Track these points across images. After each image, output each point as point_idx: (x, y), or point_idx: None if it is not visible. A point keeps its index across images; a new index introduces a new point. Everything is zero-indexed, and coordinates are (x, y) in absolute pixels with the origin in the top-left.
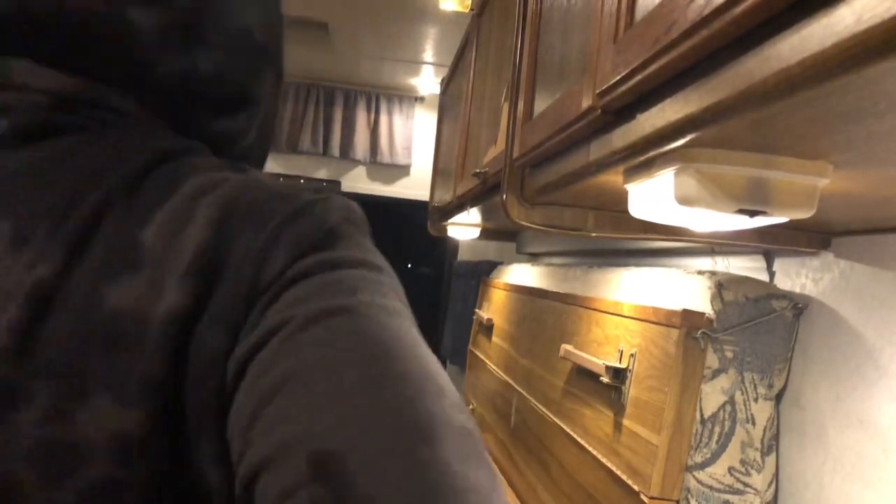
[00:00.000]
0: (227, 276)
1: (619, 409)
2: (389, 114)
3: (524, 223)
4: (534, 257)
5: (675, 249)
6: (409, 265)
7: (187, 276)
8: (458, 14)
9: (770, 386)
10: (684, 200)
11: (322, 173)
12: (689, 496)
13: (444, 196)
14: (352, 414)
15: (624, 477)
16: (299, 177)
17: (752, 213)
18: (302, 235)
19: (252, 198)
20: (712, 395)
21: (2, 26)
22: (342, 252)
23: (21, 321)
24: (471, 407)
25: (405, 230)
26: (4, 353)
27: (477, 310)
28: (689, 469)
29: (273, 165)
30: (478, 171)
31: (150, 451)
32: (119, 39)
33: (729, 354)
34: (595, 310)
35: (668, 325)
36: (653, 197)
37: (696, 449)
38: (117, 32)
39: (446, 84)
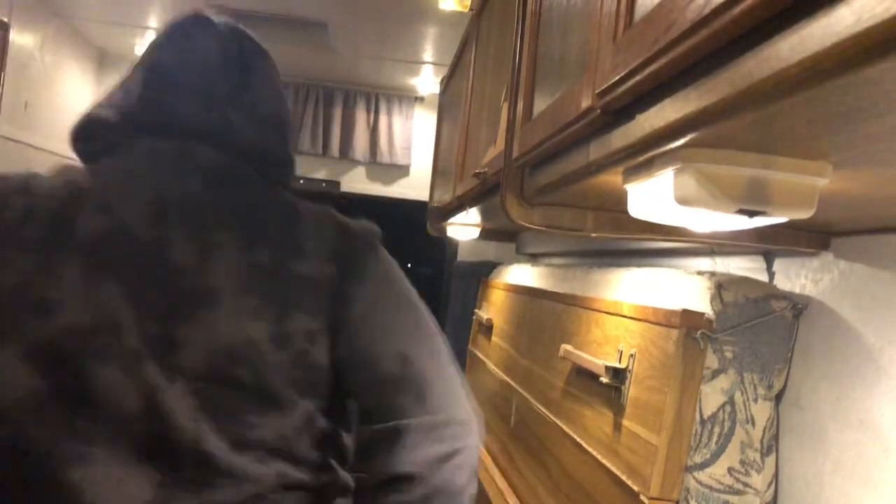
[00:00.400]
0: (346, 257)
1: (618, 409)
2: (389, 114)
3: (524, 223)
4: (533, 257)
5: (674, 250)
6: (409, 265)
7: (332, 259)
8: (457, 14)
9: (770, 386)
10: (684, 200)
11: (321, 173)
12: (689, 496)
13: (444, 196)
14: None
15: (623, 477)
16: (299, 177)
17: (752, 214)
18: (361, 238)
19: (339, 218)
20: (712, 396)
21: (205, 135)
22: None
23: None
24: None
25: (405, 230)
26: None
27: (476, 310)
28: (688, 469)
29: None
30: (477, 171)
31: (320, 339)
32: (265, 157)
33: (728, 355)
34: (595, 310)
35: (667, 326)
36: (652, 197)
37: (695, 449)
38: (264, 153)
39: (446, 84)
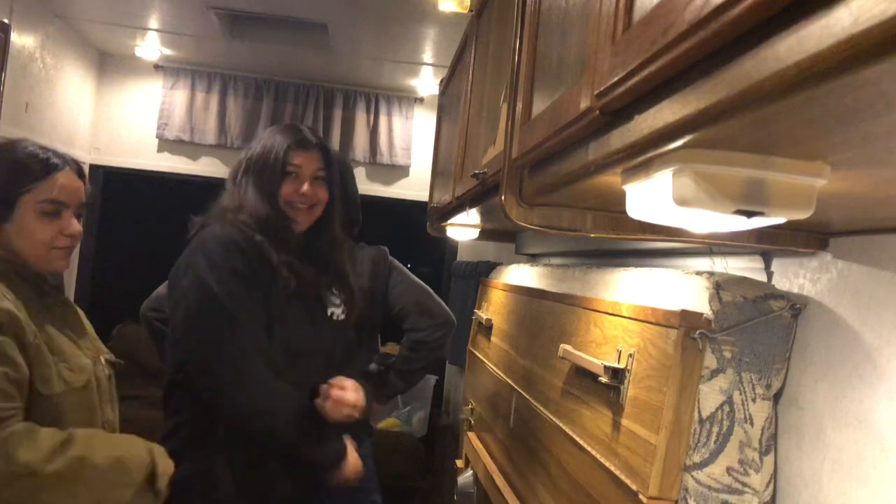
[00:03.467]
0: (379, 277)
1: (617, 409)
2: (389, 115)
3: (523, 224)
4: (533, 258)
5: (673, 250)
6: (409, 265)
7: (371, 276)
8: (457, 15)
9: (768, 386)
10: (682, 201)
11: None
12: (688, 496)
13: (444, 197)
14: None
15: (622, 477)
16: None
17: (750, 214)
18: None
19: (374, 251)
20: (710, 395)
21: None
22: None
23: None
24: (470, 407)
25: (405, 230)
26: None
27: (476, 310)
28: (687, 469)
29: None
30: (477, 171)
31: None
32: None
33: (727, 355)
34: (594, 310)
35: (666, 326)
36: (651, 198)
37: (694, 449)
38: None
39: (445, 85)
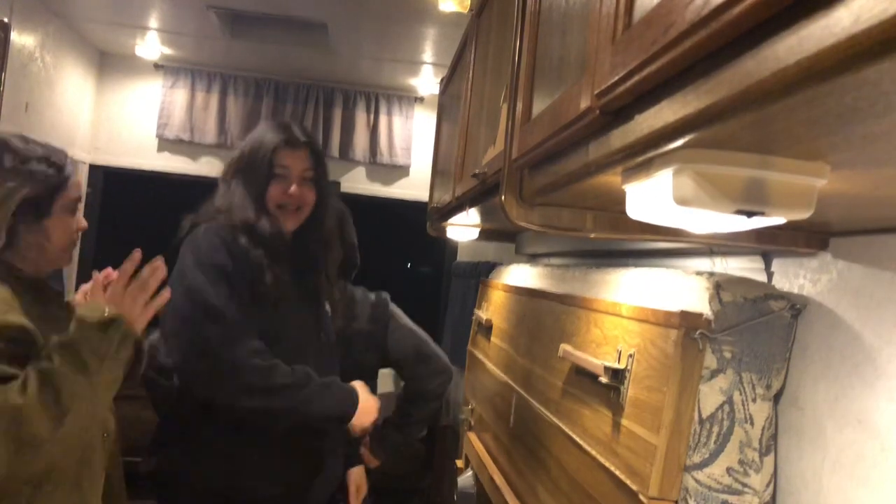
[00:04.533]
0: (379, 323)
1: (617, 409)
2: (389, 114)
3: (523, 224)
4: (533, 258)
5: (673, 250)
6: (409, 265)
7: (370, 319)
8: (457, 15)
9: (768, 386)
10: (682, 201)
11: None
12: (688, 496)
13: (444, 196)
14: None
15: (622, 477)
16: None
17: (750, 214)
18: (382, 304)
19: (375, 296)
20: (710, 396)
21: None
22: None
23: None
24: (470, 407)
25: (404, 231)
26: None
27: (476, 310)
28: (687, 469)
29: None
30: (477, 171)
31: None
32: (354, 263)
33: (727, 355)
34: (594, 310)
35: (666, 326)
36: (651, 198)
37: (694, 449)
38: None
39: (445, 84)
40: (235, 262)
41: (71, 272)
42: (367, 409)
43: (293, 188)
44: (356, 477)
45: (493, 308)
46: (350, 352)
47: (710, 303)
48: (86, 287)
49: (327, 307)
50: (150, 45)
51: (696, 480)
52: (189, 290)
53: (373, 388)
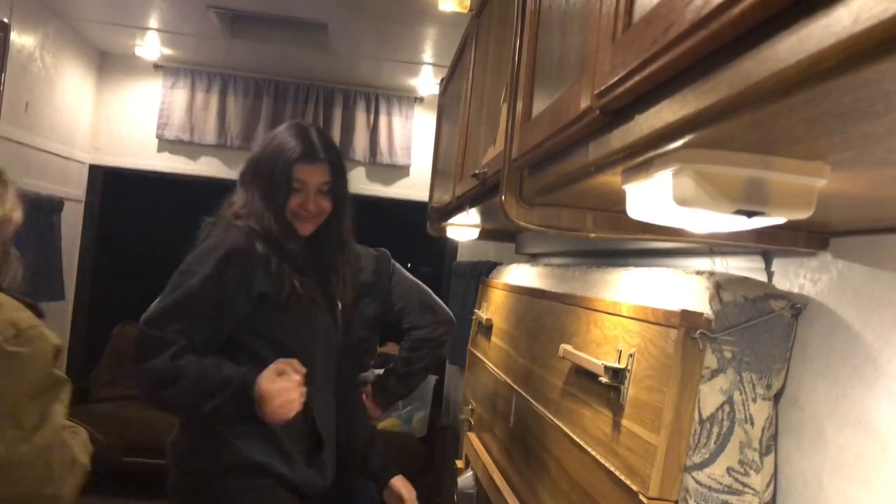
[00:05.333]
0: (382, 275)
1: (617, 409)
2: (389, 114)
3: (523, 224)
4: (533, 258)
5: (673, 250)
6: (409, 265)
7: (373, 273)
8: (457, 15)
9: (768, 386)
10: (682, 201)
11: None
12: (688, 496)
13: (444, 196)
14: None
15: (622, 477)
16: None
17: (750, 214)
18: (384, 260)
19: (376, 251)
20: (711, 396)
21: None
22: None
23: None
24: (470, 407)
25: (404, 231)
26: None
27: (476, 310)
28: (687, 469)
29: None
30: (477, 171)
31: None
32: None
33: (727, 355)
34: (594, 310)
35: (666, 326)
36: (651, 198)
37: (694, 449)
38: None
39: (445, 84)
40: (246, 271)
41: (71, 271)
42: (269, 399)
43: (310, 202)
44: (399, 484)
45: (493, 308)
46: (356, 303)
47: (710, 302)
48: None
49: (336, 311)
50: (150, 46)
51: (696, 481)
52: (181, 267)
53: (377, 340)
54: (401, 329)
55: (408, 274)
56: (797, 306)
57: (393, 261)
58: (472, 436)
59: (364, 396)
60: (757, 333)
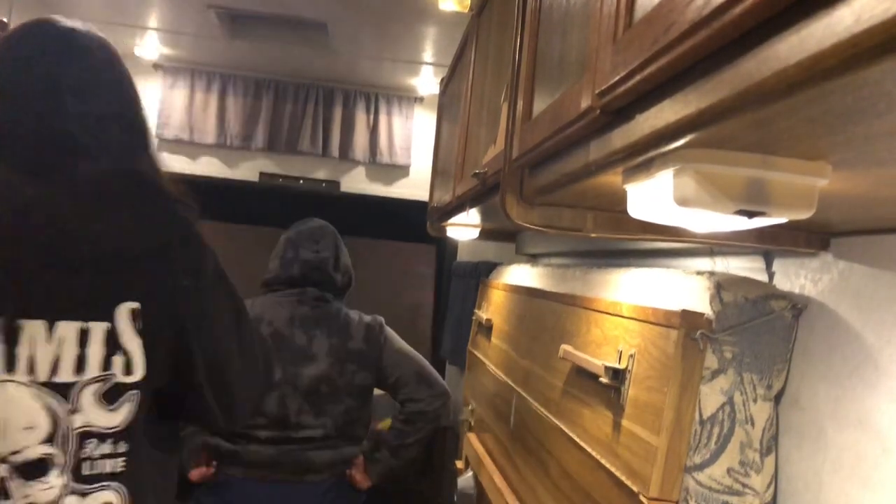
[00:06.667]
0: (373, 343)
1: (618, 409)
2: (389, 114)
3: (523, 223)
4: (533, 258)
5: (674, 250)
6: (409, 265)
7: (364, 340)
8: (457, 14)
9: (769, 386)
10: (683, 201)
11: (321, 173)
12: (689, 497)
13: (444, 196)
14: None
15: (623, 478)
16: (298, 177)
17: (751, 214)
18: (376, 328)
19: (367, 321)
20: (711, 396)
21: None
22: (391, 334)
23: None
24: (470, 407)
25: (405, 230)
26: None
27: (476, 310)
28: (688, 470)
29: (272, 166)
30: (477, 171)
31: (363, 374)
32: (331, 282)
33: (728, 355)
34: (594, 310)
35: (667, 326)
36: (652, 197)
37: (695, 450)
38: (340, 291)
39: (445, 84)
40: None
41: None
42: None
43: None
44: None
45: (494, 308)
46: (344, 372)
47: (710, 303)
48: None
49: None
50: (150, 45)
51: (697, 481)
52: None
53: (368, 409)
54: (396, 400)
55: (401, 343)
56: (798, 306)
57: (386, 328)
58: (472, 436)
59: (354, 468)
60: (757, 334)
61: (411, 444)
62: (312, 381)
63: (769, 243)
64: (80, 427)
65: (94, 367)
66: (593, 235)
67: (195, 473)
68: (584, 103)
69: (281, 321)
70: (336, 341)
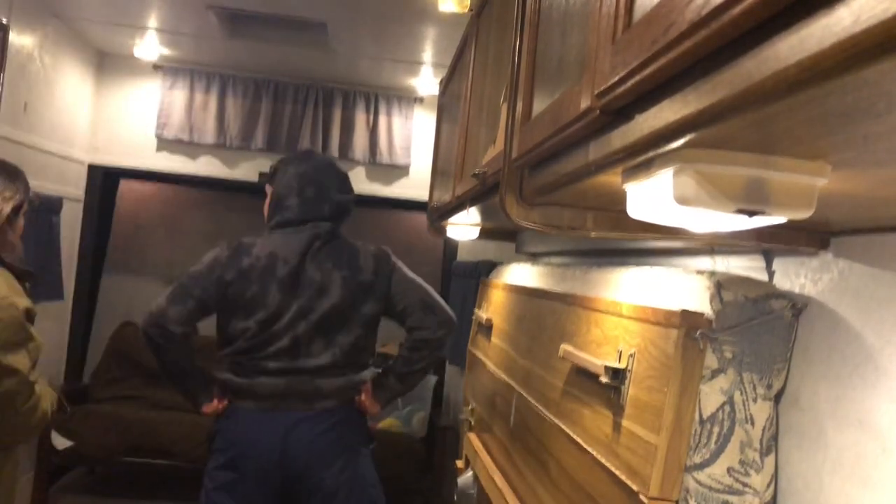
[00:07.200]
0: (382, 274)
1: (618, 409)
2: (388, 114)
3: (523, 223)
4: (533, 257)
5: (674, 249)
6: (409, 265)
7: (373, 271)
8: (456, 15)
9: (769, 386)
10: (683, 200)
11: None
12: (689, 497)
13: (444, 196)
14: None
15: (623, 477)
16: None
17: (751, 214)
18: (384, 257)
19: (376, 249)
20: (711, 396)
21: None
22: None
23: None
24: (470, 407)
25: (404, 230)
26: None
27: (476, 310)
28: (688, 469)
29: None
30: (477, 171)
31: (373, 304)
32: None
33: (728, 355)
34: (594, 310)
35: (667, 326)
36: (651, 197)
37: (695, 449)
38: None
39: (445, 84)
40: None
41: (70, 271)
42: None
43: None
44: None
45: (493, 308)
46: (355, 303)
47: (710, 302)
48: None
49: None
50: (149, 46)
51: (697, 481)
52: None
53: (374, 337)
54: (403, 327)
55: (409, 272)
56: (798, 306)
57: (394, 258)
58: (472, 436)
59: (363, 394)
60: (757, 333)
61: (417, 371)
62: (325, 314)
63: (769, 242)
64: None
65: None
66: (593, 235)
67: (208, 408)
68: (584, 103)
69: (296, 258)
70: (347, 273)
